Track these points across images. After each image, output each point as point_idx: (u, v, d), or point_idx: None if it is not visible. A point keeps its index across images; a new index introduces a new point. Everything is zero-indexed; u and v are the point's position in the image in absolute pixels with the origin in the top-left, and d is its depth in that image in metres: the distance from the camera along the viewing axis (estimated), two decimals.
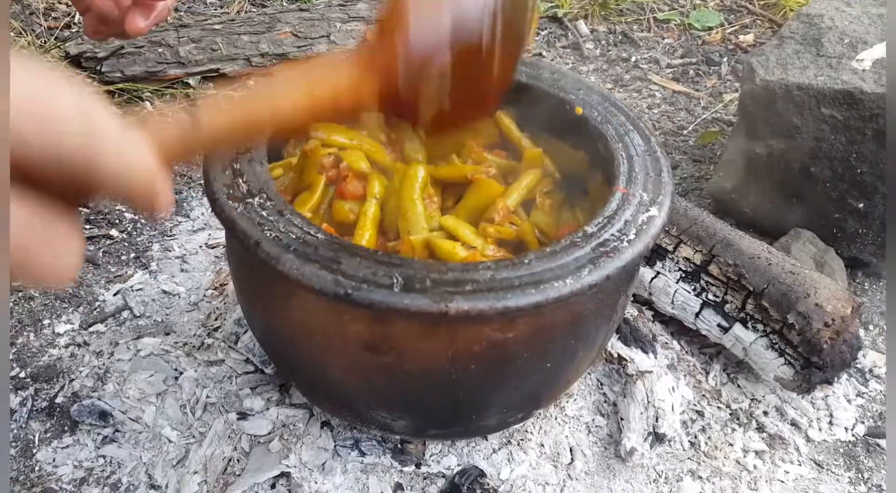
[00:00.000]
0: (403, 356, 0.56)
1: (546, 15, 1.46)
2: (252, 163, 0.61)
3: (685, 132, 1.22)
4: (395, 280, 0.51)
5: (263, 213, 0.56)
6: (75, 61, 1.16)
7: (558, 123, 0.70)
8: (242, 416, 0.73)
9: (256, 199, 0.57)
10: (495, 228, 0.64)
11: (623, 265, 0.54)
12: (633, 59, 1.38)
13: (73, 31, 1.29)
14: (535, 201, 0.68)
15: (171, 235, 0.98)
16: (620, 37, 1.43)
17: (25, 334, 0.84)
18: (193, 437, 0.73)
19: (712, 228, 0.81)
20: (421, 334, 0.55)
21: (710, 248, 0.80)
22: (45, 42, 1.23)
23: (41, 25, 1.29)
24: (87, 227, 0.98)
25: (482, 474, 0.66)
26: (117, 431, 0.74)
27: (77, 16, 1.34)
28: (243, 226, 0.54)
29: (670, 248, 0.82)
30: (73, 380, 0.79)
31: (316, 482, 0.68)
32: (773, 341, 0.75)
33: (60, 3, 1.38)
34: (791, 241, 0.94)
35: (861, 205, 0.91)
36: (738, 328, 0.78)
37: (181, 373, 0.78)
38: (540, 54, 1.39)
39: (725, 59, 1.38)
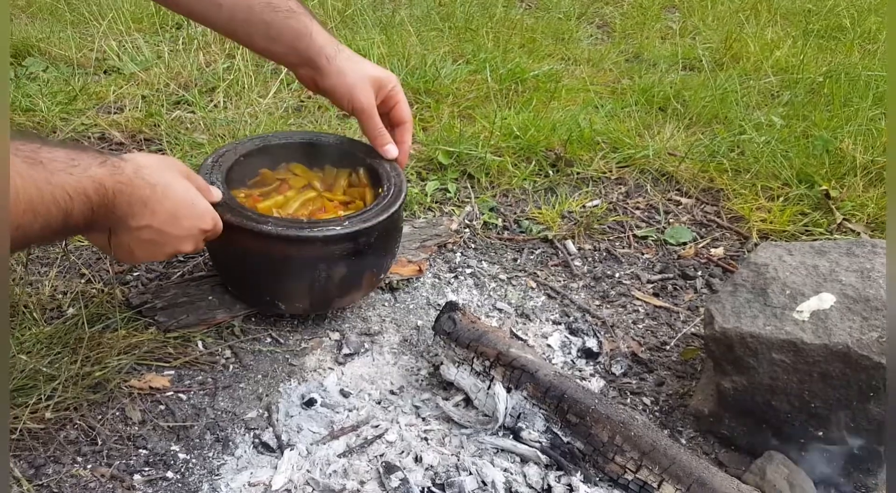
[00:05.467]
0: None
1: (538, 236, 1.72)
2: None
3: (668, 347, 1.41)
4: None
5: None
6: (137, 312, 1.39)
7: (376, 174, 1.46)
8: None
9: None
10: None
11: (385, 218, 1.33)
12: (617, 275, 1.61)
13: (135, 275, 1.53)
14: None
15: (218, 475, 1.14)
16: (605, 253, 1.68)
17: None
18: None
19: (689, 468, 0.97)
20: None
21: (687, 486, 0.95)
22: (112, 289, 1.46)
23: (108, 271, 1.54)
24: (147, 470, 1.14)
25: None
26: None
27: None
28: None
29: (655, 485, 0.97)
30: None
31: None
32: None
33: None
34: (765, 463, 1.09)
35: (821, 433, 1.06)
36: None
37: None
38: (535, 273, 1.62)
39: (700, 273, 1.60)
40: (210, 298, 1.45)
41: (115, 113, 2.09)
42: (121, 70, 2.30)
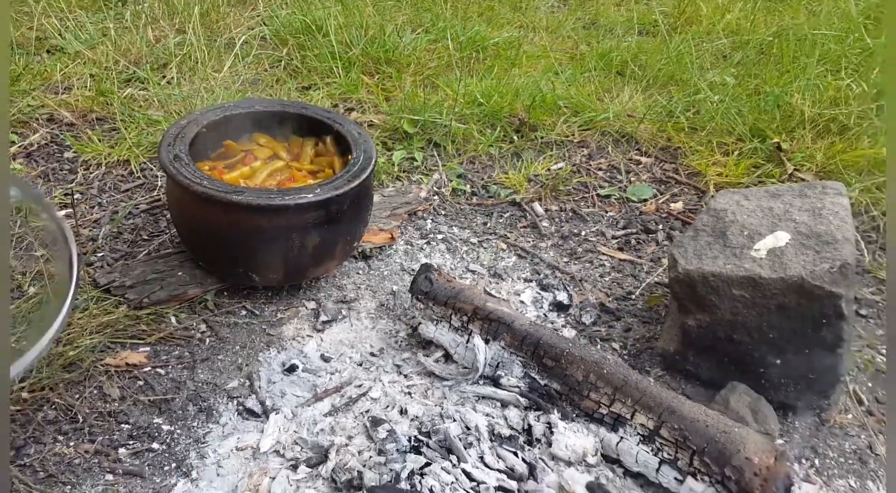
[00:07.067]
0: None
1: (506, 200, 1.79)
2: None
3: (633, 297, 1.50)
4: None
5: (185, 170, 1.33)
6: (105, 291, 1.40)
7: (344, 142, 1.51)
8: None
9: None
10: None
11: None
12: (583, 233, 1.69)
13: (99, 256, 1.54)
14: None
15: (204, 442, 1.17)
16: (570, 213, 1.76)
17: None
18: None
19: (659, 398, 1.06)
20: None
21: (658, 415, 1.04)
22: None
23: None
24: (131, 443, 1.17)
25: None
26: None
27: (101, 239, 1.60)
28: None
29: (628, 416, 1.05)
30: None
31: None
32: (719, 490, 0.97)
33: (83, 227, 1.64)
34: (729, 393, 1.18)
35: (779, 361, 1.17)
36: (690, 481, 1.00)
37: None
38: (505, 235, 1.69)
39: (661, 226, 1.70)
40: (180, 273, 1.47)
41: (62, 93, 2.06)
42: (64, 49, 2.26)
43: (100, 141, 1.87)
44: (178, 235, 1.54)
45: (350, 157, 1.43)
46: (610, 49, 2.41)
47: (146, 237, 1.63)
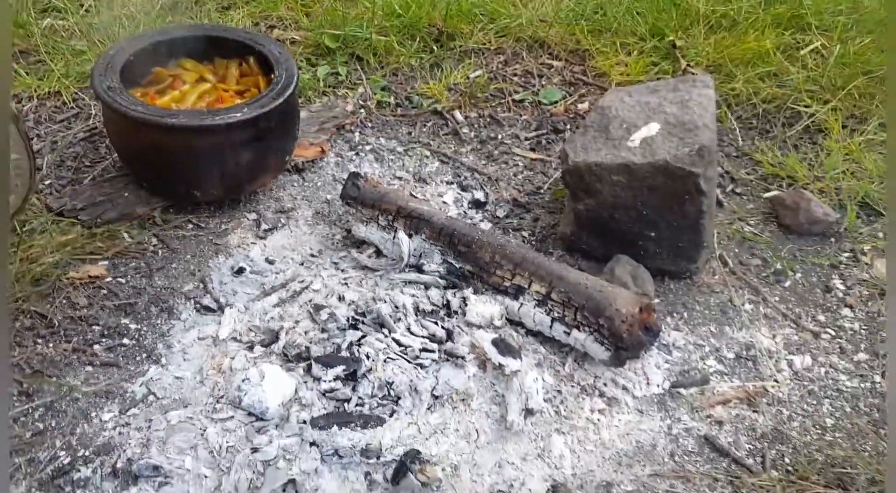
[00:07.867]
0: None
1: (429, 110, 1.96)
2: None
3: (542, 191, 1.73)
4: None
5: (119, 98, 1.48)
6: (58, 214, 1.55)
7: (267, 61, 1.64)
8: (255, 449, 1.15)
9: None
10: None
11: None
12: (500, 137, 1.90)
13: (47, 183, 1.68)
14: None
15: (169, 335, 1.39)
16: (488, 119, 1.95)
17: (81, 424, 1.23)
18: (223, 470, 1.14)
19: (550, 269, 1.31)
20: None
21: (549, 282, 1.29)
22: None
23: (18, 184, 1.67)
24: (104, 340, 1.37)
25: (419, 452, 1.11)
26: (167, 477, 1.14)
27: (46, 168, 1.72)
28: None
29: (526, 286, 1.31)
30: (126, 450, 1.18)
31: (313, 482, 1.11)
32: (596, 337, 1.25)
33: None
34: (614, 264, 1.45)
35: (653, 234, 1.43)
36: (575, 332, 1.27)
37: (205, 430, 1.19)
38: (429, 143, 1.88)
39: (568, 126, 1.91)
40: (126, 195, 1.62)
41: None
42: None
43: (27, 74, 1.93)
44: (120, 159, 1.68)
45: (274, 75, 1.58)
46: None
47: (88, 164, 1.76)
